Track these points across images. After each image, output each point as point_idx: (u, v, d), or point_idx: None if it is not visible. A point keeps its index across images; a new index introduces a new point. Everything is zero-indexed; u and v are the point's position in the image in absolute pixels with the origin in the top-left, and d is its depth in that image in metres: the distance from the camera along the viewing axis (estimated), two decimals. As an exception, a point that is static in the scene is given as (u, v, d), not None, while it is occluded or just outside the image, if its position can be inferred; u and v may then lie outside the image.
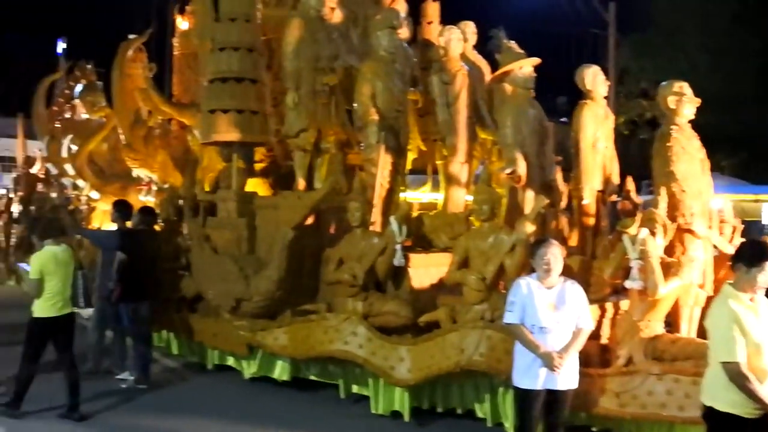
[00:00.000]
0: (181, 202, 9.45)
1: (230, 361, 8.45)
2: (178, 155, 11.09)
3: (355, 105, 8.16)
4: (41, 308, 6.58)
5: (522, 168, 6.97)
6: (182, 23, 12.68)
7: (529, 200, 6.93)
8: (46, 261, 6.56)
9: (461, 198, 8.43)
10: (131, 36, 13.34)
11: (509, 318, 4.97)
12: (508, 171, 6.99)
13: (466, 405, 6.67)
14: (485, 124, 8.65)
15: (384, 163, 7.68)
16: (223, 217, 8.73)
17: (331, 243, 7.85)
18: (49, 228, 6.93)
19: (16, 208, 16.95)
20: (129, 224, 8.53)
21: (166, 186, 10.88)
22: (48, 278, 6.52)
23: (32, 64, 16.17)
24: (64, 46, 30.56)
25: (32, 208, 15.35)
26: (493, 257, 6.48)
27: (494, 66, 8.21)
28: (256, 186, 9.52)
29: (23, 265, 6.85)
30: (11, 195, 18.39)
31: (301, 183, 8.50)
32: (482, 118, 8.63)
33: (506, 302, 5.07)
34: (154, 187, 11.08)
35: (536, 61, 7.33)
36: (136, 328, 8.11)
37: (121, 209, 8.64)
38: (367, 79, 7.85)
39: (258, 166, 9.91)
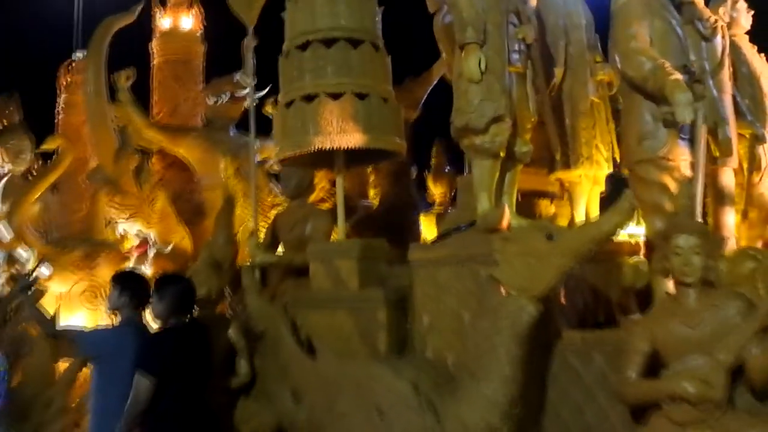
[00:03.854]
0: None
1: None
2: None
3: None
4: None
5: None
6: (163, 20, 8.89)
7: None
8: None
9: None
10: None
11: None
12: None
13: None
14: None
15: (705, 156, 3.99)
16: (327, 288, 4.71)
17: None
18: None
19: None
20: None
21: (168, 249, 6.73)
22: None
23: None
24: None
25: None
26: None
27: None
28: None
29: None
30: None
31: (498, 214, 4.48)
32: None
33: None
34: (152, 250, 6.73)
35: None
36: None
37: (131, 288, 4.49)
38: (635, 17, 4.26)
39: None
